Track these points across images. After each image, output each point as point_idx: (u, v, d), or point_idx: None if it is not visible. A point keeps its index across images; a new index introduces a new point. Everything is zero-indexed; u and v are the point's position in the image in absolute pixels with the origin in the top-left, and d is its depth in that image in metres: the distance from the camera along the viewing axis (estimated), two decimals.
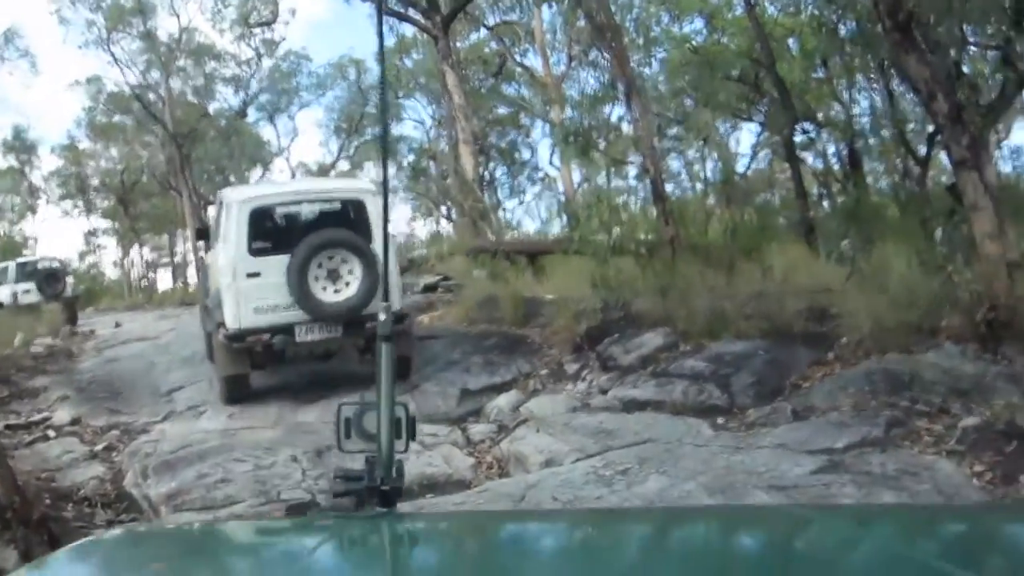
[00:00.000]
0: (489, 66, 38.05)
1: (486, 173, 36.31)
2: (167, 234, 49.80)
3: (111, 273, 51.35)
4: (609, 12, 13.87)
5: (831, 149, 28.89)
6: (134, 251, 50.51)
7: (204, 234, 12.95)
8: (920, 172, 14.32)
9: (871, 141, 29.86)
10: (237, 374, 10.20)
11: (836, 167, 29.52)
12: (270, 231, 10.84)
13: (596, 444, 7.09)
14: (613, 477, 6.07)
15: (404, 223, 46.89)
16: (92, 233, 50.50)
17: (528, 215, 45.12)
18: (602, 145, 13.71)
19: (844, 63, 28.11)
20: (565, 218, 30.26)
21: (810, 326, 9.82)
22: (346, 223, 10.50)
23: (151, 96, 39.24)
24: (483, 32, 36.94)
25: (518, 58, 36.86)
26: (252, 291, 9.92)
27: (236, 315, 9.87)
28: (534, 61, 36.70)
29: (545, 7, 33.85)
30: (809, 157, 31.47)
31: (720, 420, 7.80)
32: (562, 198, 35.79)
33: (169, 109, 38.27)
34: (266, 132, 44.56)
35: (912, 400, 7.15)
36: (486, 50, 37.91)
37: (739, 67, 24.10)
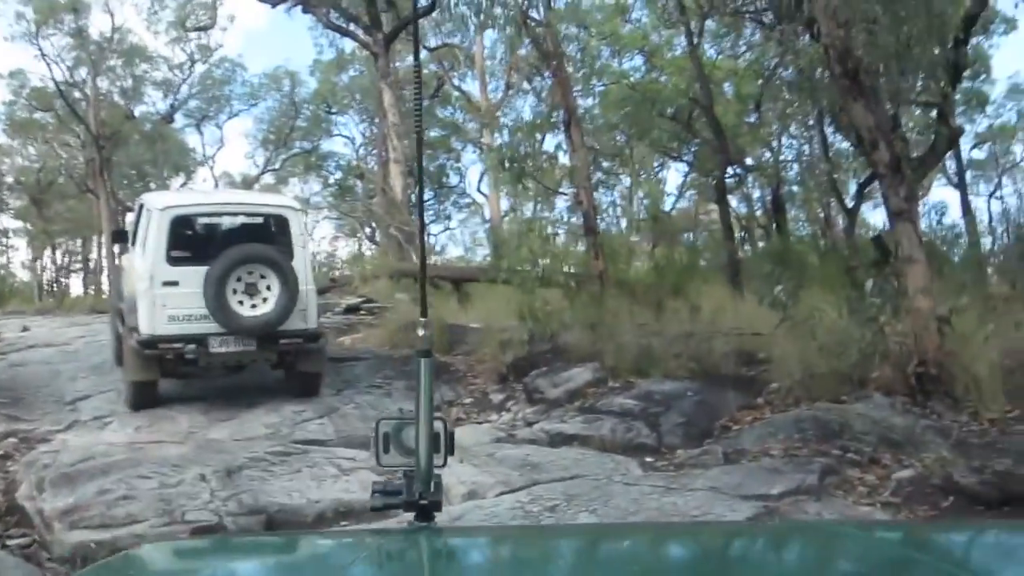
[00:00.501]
0: (426, 88, 37.89)
1: (413, 196, 36.02)
2: (81, 238, 48.48)
3: (21, 275, 49.82)
4: (556, 40, 13.76)
5: (756, 194, 29.44)
6: (46, 254, 49.13)
7: (121, 237, 12.63)
8: (847, 222, 14.37)
9: (796, 188, 30.41)
10: (146, 380, 10.00)
11: (759, 212, 30.04)
12: (190, 240, 10.66)
13: (522, 477, 6.87)
14: (540, 513, 5.86)
15: (327, 242, 46.40)
16: (3, 233, 48.98)
17: (453, 241, 44.63)
18: (537, 174, 13.51)
19: (779, 109, 28.58)
20: (491, 246, 30.29)
21: (739, 369, 9.76)
22: (268, 238, 10.46)
23: (76, 94, 38.28)
24: (423, 54, 36.85)
25: (456, 82, 36.71)
26: (168, 299, 9.77)
27: (150, 322, 9.73)
28: (471, 86, 36.64)
29: (488, 32, 33.83)
30: (734, 200, 31.97)
31: (649, 459, 7.66)
32: (488, 225, 35.70)
33: (93, 109, 37.35)
34: (192, 139, 43.72)
35: (843, 449, 7.08)
36: (424, 71, 37.75)
37: (675, 106, 24.22)
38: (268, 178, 44.37)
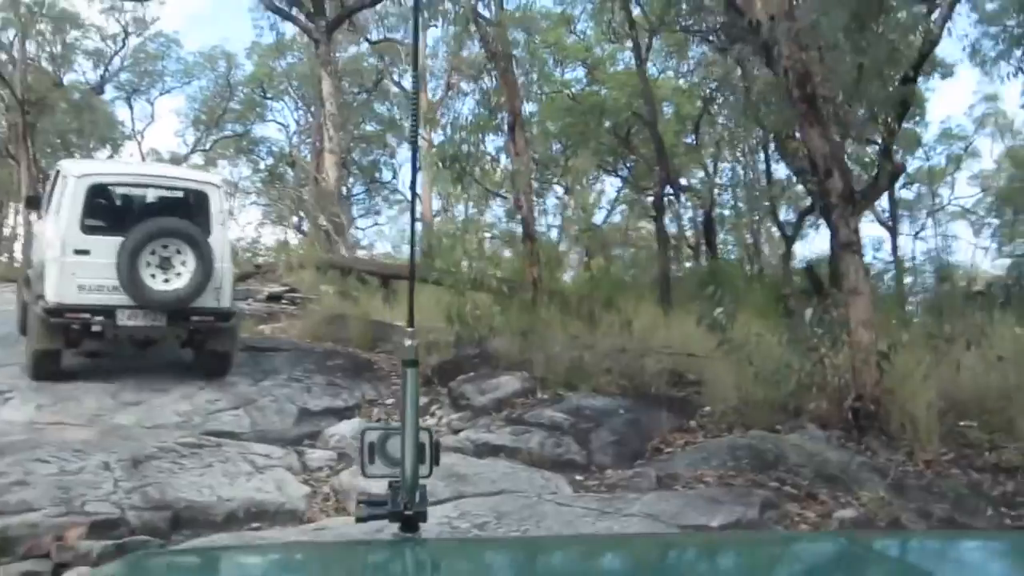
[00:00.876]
0: (365, 81, 37.38)
1: (344, 188, 35.42)
2: None
3: None
4: (506, 41, 13.47)
5: (687, 214, 29.51)
6: None
7: (35, 203, 12.38)
8: (785, 249, 14.30)
9: (727, 212, 30.56)
10: (49, 349, 9.65)
11: (689, 232, 30.14)
12: (106, 210, 10.44)
13: (447, 488, 6.54)
14: (468, 531, 5.53)
15: (253, 228, 45.52)
16: None
17: (381, 237, 44.00)
18: (476, 175, 13.20)
19: (717, 133, 28.68)
20: (421, 244, 29.87)
21: (672, 389, 9.56)
22: (186, 214, 10.18)
23: (2, 56, 37.07)
24: (364, 46, 36.32)
25: (396, 77, 36.23)
26: (78, 268, 9.46)
27: (58, 290, 9.42)
28: (410, 83, 36.14)
29: (432, 31, 33.45)
30: (664, 219, 32.03)
31: (579, 477, 7.37)
32: (419, 224, 35.27)
33: (20, 73, 36.19)
34: (122, 113, 42.58)
35: (780, 481, 6.87)
36: (364, 64, 37.23)
37: (615, 120, 24.11)
38: (197, 158, 43.40)
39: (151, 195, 11.06)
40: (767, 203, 17.36)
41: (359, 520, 2.18)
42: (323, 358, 11.30)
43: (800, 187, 19.21)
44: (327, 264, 18.15)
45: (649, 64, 28.06)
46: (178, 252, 9.68)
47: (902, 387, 8.06)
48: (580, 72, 28.23)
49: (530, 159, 13.20)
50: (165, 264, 9.63)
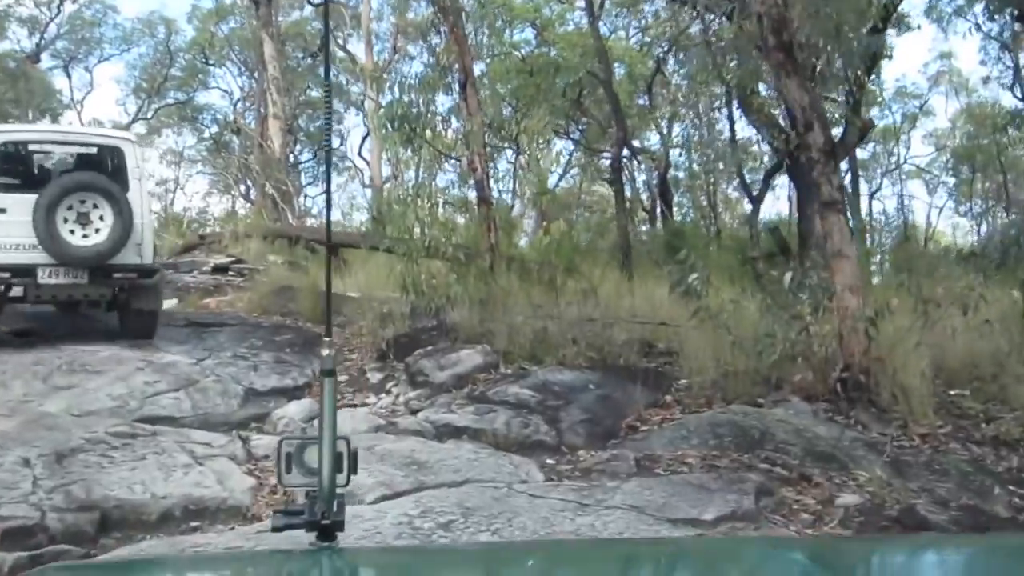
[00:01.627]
0: (309, 46, 36.36)
1: (291, 155, 34.46)
2: None
3: None
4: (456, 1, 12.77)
5: (640, 178, 28.95)
6: None
7: None
8: (753, 210, 13.75)
9: (681, 174, 30.05)
10: None
11: (644, 195, 29.61)
12: (20, 170, 10.52)
13: (407, 479, 5.92)
14: (433, 531, 4.90)
15: (199, 198, 44.38)
16: None
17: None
18: (427, 136, 12.49)
19: (671, 93, 28.13)
20: (371, 212, 29.09)
21: (643, 361, 8.98)
22: (102, 170, 10.18)
23: None
24: (308, 10, 35.32)
25: (340, 41, 35.22)
26: None
27: None
28: (356, 48, 35.23)
29: None
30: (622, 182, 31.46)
31: (550, 461, 6.76)
32: (369, 191, 34.43)
33: None
34: (60, 82, 41.16)
35: (769, 462, 6.30)
36: (308, 28, 36.20)
37: (569, 80, 23.45)
38: (139, 127, 42.23)
39: (66, 152, 10.94)
40: (731, 163, 16.68)
41: (275, 530, 2.06)
42: (271, 333, 10.65)
43: (760, 146, 18.76)
44: (274, 233, 17.43)
45: (600, 23, 27.50)
46: (95, 207, 9.60)
47: (892, 356, 7.54)
48: (529, 33, 27.57)
49: (483, 120, 12.51)
50: (83, 220, 9.55)
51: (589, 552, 2.31)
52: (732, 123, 14.62)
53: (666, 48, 26.10)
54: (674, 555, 2.16)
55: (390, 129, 12.50)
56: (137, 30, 39.33)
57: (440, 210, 12.43)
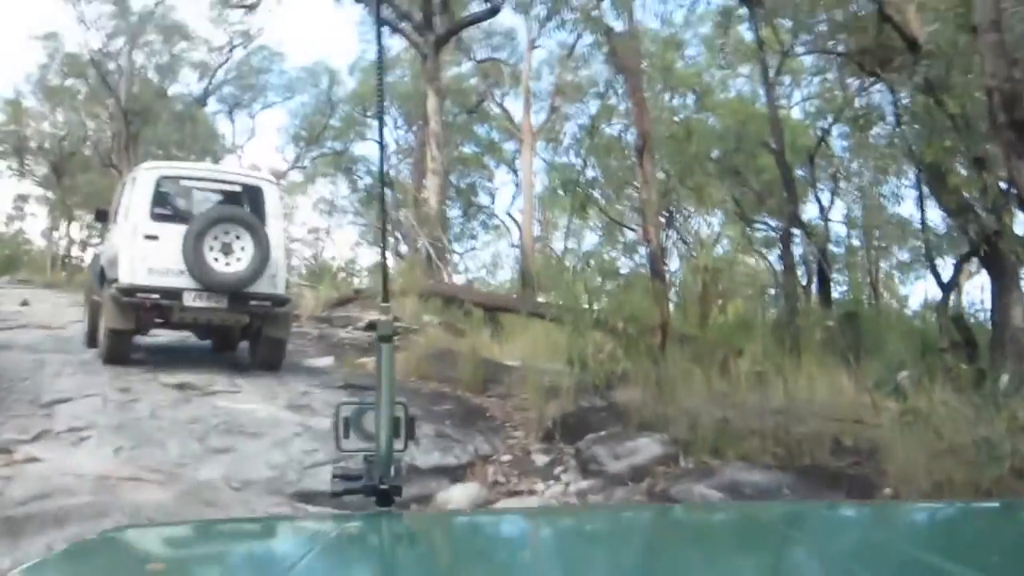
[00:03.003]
0: (466, 101, 36.47)
1: (449, 209, 34.42)
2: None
3: (39, 243, 48.12)
4: (637, 53, 12.25)
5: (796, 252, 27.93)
6: (63, 226, 47.38)
7: (103, 216, 13.38)
8: (942, 298, 12.76)
9: (839, 250, 28.86)
10: (122, 329, 10.67)
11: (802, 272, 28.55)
12: (173, 201, 11.56)
13: None
14: None
15: (348, 248, 44.86)
16: (23, 198, 47.16)
17: (476, 262, 42.88)
18: (602, 203, 11.99)
19: (835, 165, 27.12)
20: (520, 273, 28.70)
21: (836, 462, 8.13)
22: (245, 206, 11.36)
23: (110, 65, 36.98)
24: (466, 66, 35.47)
25: (498, 98, 35.21)
26: (149, 252, 10.55)
27: (131, 272, 10.47)
28: (513, 106, 35.16)
29: (537, 52, 32.48)
30: (771, 256, 30.41)
31: None
32: (517, 251, 34.11)
33: (126, 82, 36.05)
34: (223, 126, 42.29)
35: None
36: (466, 84, 36.35)
37: (735, 148, 22.74)
38: (296, 175, 43.04)
39: (213, 188, 12.00)
40: (920, 245, 15.57)
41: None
42: (430, 401, 10.19)
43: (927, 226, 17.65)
44: (430, 292, 17.04)
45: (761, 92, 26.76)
46: (238, 238, 10.69)
47: None
48: (689, 99, 27.03)
49: (659, 187, 11.93)
50: (226, 249, 10.65)
51: (658, 518, 2.34)
52: (922, 204, 13.61)
53: (831, 119, 25.28)
54: (688, 519, 2.27)
55: (562, 193, 12.02)
56: (301, 79, 40.20)
57: (610, 281, 11.81)
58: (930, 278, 38.48)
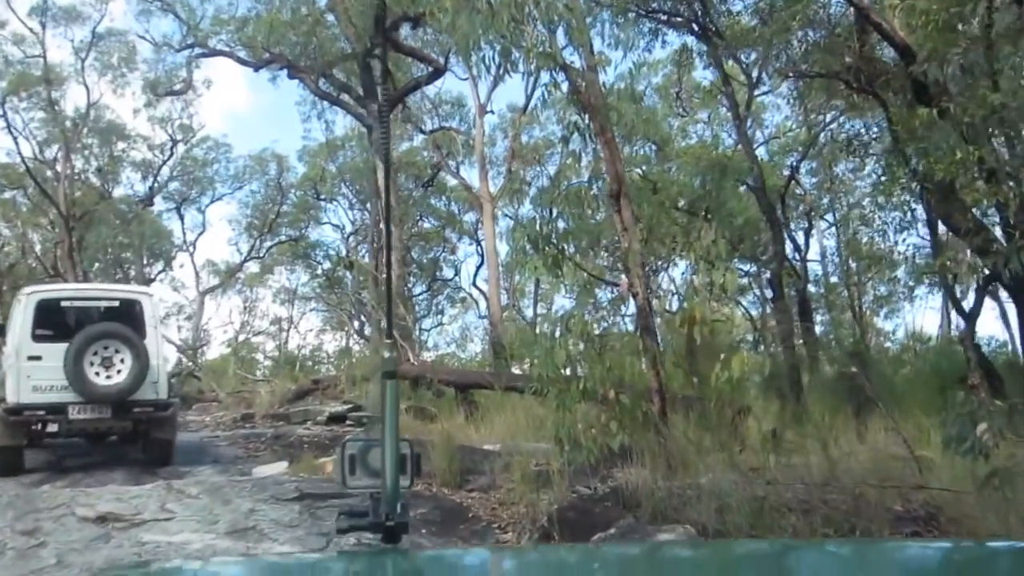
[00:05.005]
0: (421, 174, 35.23)
1: (405, 288, 32.93)
2: None
3: None
4: (600, 91, 10.91)
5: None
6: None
7: (2, 331, 13.54)
8: (965, 328, 11.35)
9: (815, 289, 27.70)
10: (12, 446, 11.22)
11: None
12: (54, 321, 11.95)
13: None
14: None
15: (313, 335, 43.30)
16: None
17: (444, 337, 41.40)
18: (576, 257, 10.59)
19: (807, 201, 26.06)
20: (492, 346, 27.19)
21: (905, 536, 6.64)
22: (123, 320, 11.83)
23: (48, 173, 35.50)
24: (418, 140, 34.28)
25: (453, 165, 33.97)
26: (32, 371, 11.20)
27: (16, 391, 11.11)
28: (470, 174, 33.96)
29: (489, 117, 31.36)
30: (745, 301, 29.23)
31: None
32: (487, 323, 32.64)
33: (64, 188, 34.54)
34: (173, 224, 40.79)
35: None
36: (419, 158, 35.13)
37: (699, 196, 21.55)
38: (252, 266, 41.59)
39: (92, 306, 12.55)
40: (933, 275, 14.07)
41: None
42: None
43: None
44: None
45: (724, 132, 25.75)
46: (117, 352, 11.42)
47: None
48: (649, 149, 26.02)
49: (640, 234, 10.56)
50: (107, 363, 11.37)
51: (653, 556, 2.33)
52: (933, 226, 12.20)
53: (801, 155, 24.23)
54: (692, 558, 2.23)
55: (530, 251, 10.60)
56: (249, 167, 38.88)
57: (595, 345, 10.31)
58: (913, 308, 37.36)
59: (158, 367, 11.71)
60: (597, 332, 10.73)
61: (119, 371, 11.32)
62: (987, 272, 10.94)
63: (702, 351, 10.41)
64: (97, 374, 11.22)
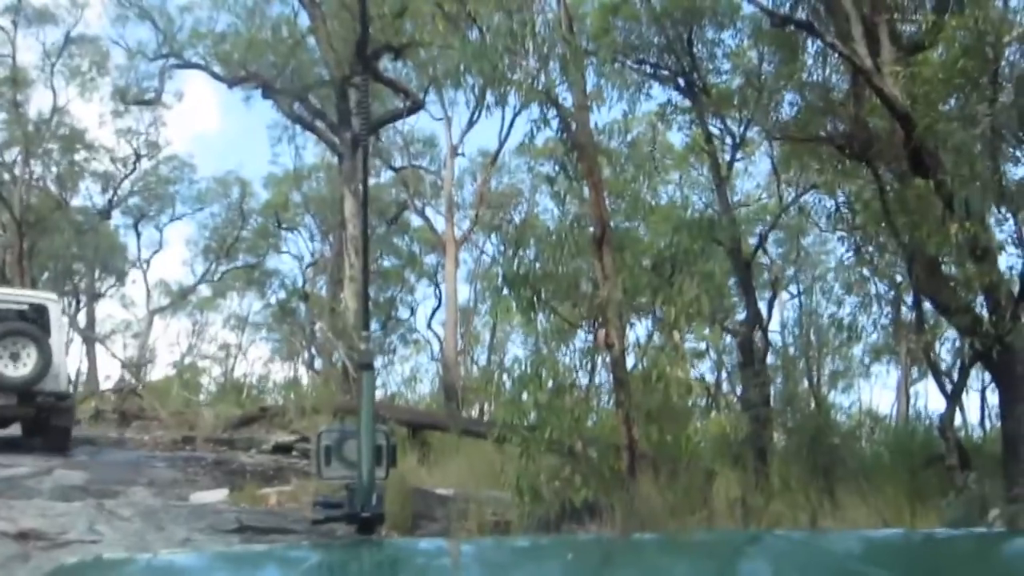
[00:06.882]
0: (385, 212, 34.71)
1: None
2: None
3: None
4: (589, 130, 10.55)
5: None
6: None
7: None
8: (947, 408, 11.00)
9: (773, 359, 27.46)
10: None
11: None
12: None
13: None
14: None
15: (260, 364, 42.41)
16: None
17: (395, 377, 40.71)
18: (555, 301, 10.13)
19: (773, 270, 25.90)
20: (443, 389, 26.64)
21: None
22: (31, 321, 13.65)
23: (5, 176, 34.63)
24: (385, 176, 33.79)
25: (419, 205, 33.51)
26: None
27: None
28: (434, 216, 33.50)
29: (460, 160, 30.99)
30: (704, 366, 28.95)
31: None
32: (439, 366, 32.07)
33: (20, 193, 33.65)
34: (129, 239, 39.94)
35: None
36: (385, 196, 34.63)
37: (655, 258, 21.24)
38: (205, 290, 40.77)
39: (4, 308, 13.88)
40: (920, 349, 13.66)
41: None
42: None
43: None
44: (346, 409, 14.92)
45: (696, 197, 25.55)
46: (24, 347, 13.08)
47: None
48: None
49: (624, 285, 10.15)
50: (15, 357, 13.01)
51: (628, 546, 2.31)
52: (917, 299, 11.88)
53: (769, 224, 24.05)
54: (675, 549, 2.19)
55: (507, 292, 10.15)
56: (212, 189, 38.19)
57: (565, 394, 9.80)
58: (869, 386, 37.28)
59: (59, 363, 13.56)
60: (569, 381, 10.20)
61: (25, 364, 12.95)
62: (972, 352, 10.58)
63: (673, 411, 10.00)
64: (6, 366, 12.89)
